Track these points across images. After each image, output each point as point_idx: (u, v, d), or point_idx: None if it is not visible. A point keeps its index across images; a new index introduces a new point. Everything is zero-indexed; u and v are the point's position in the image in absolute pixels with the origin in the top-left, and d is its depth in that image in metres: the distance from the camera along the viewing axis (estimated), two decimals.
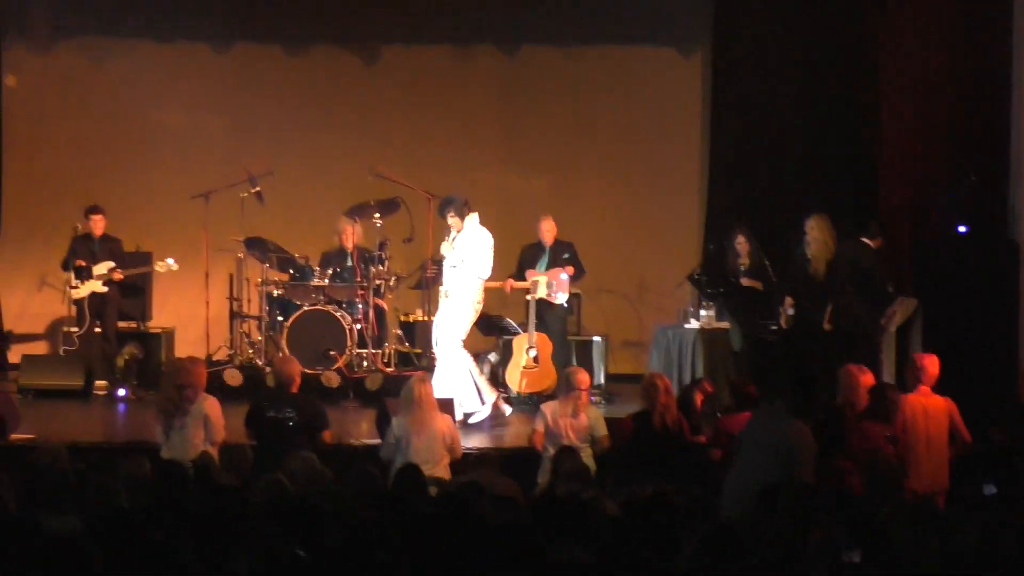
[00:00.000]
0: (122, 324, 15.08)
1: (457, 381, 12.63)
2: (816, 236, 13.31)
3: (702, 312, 13.89)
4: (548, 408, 11.00)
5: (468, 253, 12.67)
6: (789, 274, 13.58)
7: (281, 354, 13.72)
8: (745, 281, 13.86)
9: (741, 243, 13.98)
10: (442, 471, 10.19)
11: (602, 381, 14.51)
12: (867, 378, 10.59)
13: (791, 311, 13.57)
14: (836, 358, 11.56)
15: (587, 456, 10.44)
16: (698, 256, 15.39)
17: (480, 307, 12.88)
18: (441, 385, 12.21)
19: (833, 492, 8.49)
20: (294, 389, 10.98)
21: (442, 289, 12.91)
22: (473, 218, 12.78)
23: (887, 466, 9.14)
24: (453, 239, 12.76)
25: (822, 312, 13.13)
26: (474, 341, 14.71)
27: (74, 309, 14.73)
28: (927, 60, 14.36)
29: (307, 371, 12.23)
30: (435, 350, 12.99)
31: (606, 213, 16.46)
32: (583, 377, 11.07)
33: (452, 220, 12.72)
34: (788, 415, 9.12)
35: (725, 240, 14.27)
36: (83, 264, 14.56)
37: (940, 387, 10.51)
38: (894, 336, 13.44)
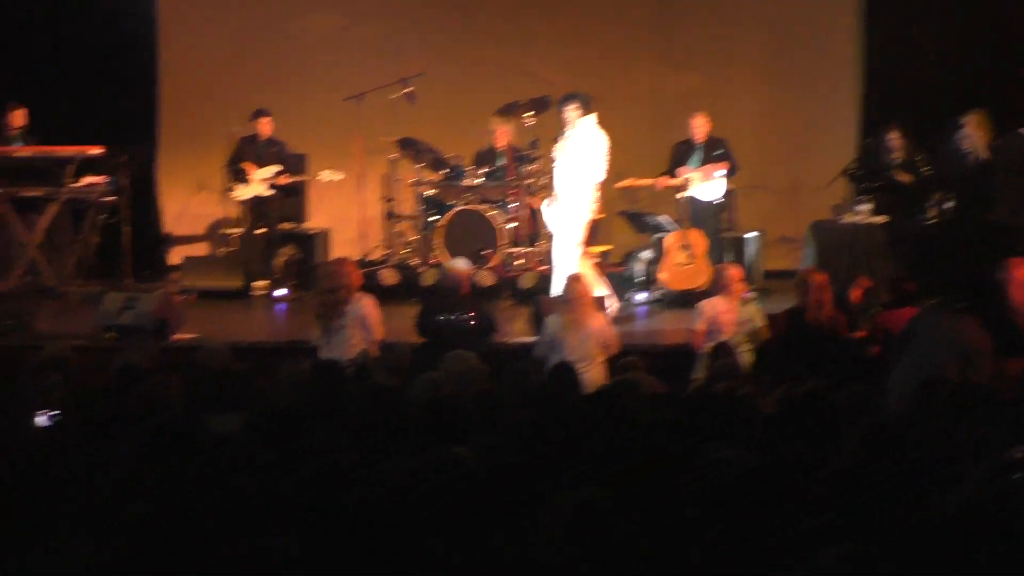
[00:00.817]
0: (279, 226, 15.29)
1: None
2: (974, 130, 13.04)
3: (858, 207, 13.69)
4: (707, 305, 10.96)
5: (582, 154, 12.35)
6: (946, 168, 13.34)
7: (434, 255, 13.82)
8: (898, 175, 13.65)
9: (895, 138, 13.75)
10: (596, 369, 10.20)
11: (757, 277, 14.39)
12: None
13: (948, 205, 13.35)
14: (996, 252, 11.31)
15: (745, 352, 10.43)
16: (853, 151, 15.16)
17: (596, 209, 12.67)
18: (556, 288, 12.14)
19: (1003, 389, 8.32)
20: (464, 292, 11.07)
21: (555, 191, 12.63)
22: (590, 119, 12.33)
23: None
24: (566, 138, 12.43)
25: (980, 206, 12.90)
26: (627, 239, 14.72)
27: (234, 210, 14.94)
28: None
29: None
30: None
31: (760, 108, 16.28)
32: (736, 272, 11.06)
33: (570, 114, 12.26)
34: (957, 312, 8.96)
35: (880, 135, 14.05)
36: (247, 167, 14.74)
37: None
38: None
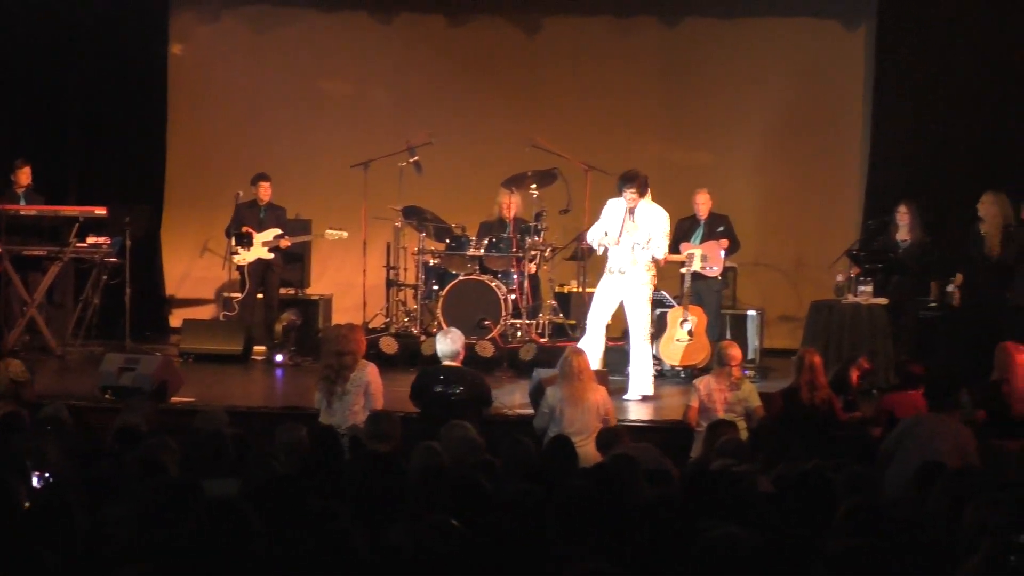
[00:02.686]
0: (281, 291, 15.28)
1: (645, 365, 12.66)
2: (990, 212, 13.09)
3: (860, 288, 13.68)
4: (702, 383, 10.97)
5: (656, 232, 12.58)
6: (963, 251, 13.34)
7: (434, 325, 13.83)
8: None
9: (903, 214, 13.72)
10: (595, 443, 10.16)
11: (756, 355, 14.38)
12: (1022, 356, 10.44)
13: (954, 288, 13.35)
14: (1011, 336, 11.31)
15: (741, 430, 10.39)
16: (857, 232, 15.19)
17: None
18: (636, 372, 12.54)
19: (996, 472, 8.32)
20: (459, 363, 11.04)
21: (615, 265, 12.72)
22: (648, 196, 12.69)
23: None
24: (630, 214, 12.57)
25: (996, 290, 12.92)
26: None
27: (236, 275, 14.95)
28: None
29: None
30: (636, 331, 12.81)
31: (765, 186, 16.32)
32: (735, 352, 11.01)
33: (632, 195, 12.53)
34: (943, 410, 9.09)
35: (887, 215, 14.06)
36: (247, 231, 14.77)
37: None
38: None
